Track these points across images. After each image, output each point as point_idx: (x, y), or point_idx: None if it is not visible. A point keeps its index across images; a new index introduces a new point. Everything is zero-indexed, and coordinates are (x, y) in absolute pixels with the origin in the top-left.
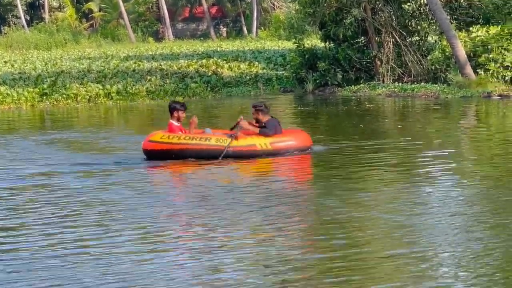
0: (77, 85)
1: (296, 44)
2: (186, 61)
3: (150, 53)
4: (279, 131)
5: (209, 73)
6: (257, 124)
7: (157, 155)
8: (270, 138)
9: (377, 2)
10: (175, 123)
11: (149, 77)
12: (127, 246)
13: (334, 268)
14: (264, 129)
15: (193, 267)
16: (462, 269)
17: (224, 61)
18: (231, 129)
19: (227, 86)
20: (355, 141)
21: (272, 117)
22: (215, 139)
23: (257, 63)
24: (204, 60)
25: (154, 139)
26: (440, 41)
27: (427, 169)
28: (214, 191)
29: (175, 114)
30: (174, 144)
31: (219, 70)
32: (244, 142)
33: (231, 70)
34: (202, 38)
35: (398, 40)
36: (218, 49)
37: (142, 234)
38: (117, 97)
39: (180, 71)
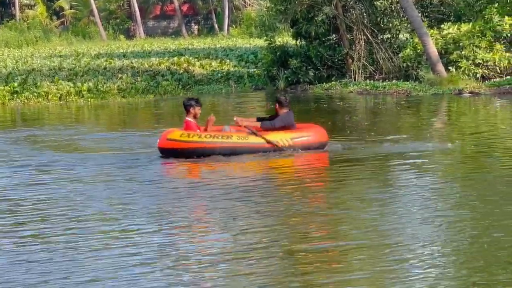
0: (48, 83)
1: (267, 42)
2: (157, 59)
3: (121, 51)
4: (291, 125)
5: (181, 71)
6: (253, 124)
7: (176, 154)
8: (291, 134)
9: (349, 0)
10: (192, 120)
11: (120, 75)
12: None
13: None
14: (265, 122)
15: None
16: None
17: (196, 59)
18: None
19: (198, 84)
20: None
21: (289, 110)
22: (237, 137)
23: (228, 60)
24: (175, 58)
25: (173, 137)
26: (412, 38)
27: (392, 166)
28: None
29: (192, 111)
30: (196, 142)
31: (190, 68)
32: (268, 139)
33: (203, 68)
34: (173, 36)
35: (370, 37)
36: (190, 46)
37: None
38: (88, 95)
39: (151, 69)
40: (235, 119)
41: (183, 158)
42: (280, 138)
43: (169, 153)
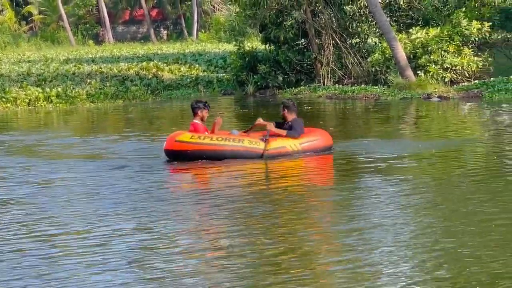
0: (17, 89)
1: (236, 47)
2: (126, 64)
3: (90, 56)
4: (303, 131)
5: (150, 76)
6: (279, 131)
7: (186, 156)
8: (300, 139)
9: (317, 5)
10: (200, 122)
11: (89, 80)
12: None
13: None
14: (291, 132)
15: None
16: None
17: (165, 64)
18: (247, 131)
19: (167, 89)
20: None
21: (297, 116)
22: (248, 141)
23: (197, 65)
24: (144, 63)
25: (183, 139)
26: (380, 43)
27: (359, 170)
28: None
29: (199, 113)
30: (206, 145)
31: (159, 73)
32: (276, 144)
33: (172, 73)
34: (142, 41)
35: (339, 42)
36: (159, 51)
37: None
38: (57, 100)
39: (120, 74)
40: (258, 121)
41: (191, 161)
42: (289, 144)
43: (178, 155)
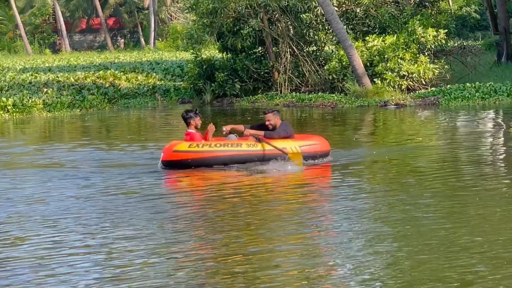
0: None
1: (194, 55)
2: (83, 73)
3: (47, 65)
4: (291, 135)
5: (107, 85)
6: (257, 132)
7: (186, 165)
8: (300, 142)
9: (274, 13)
10: (194, 131)
11: (45, 89)
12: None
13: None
14: (270, 132)
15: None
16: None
17: (122, 73)
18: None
19: (124, 98)
20: None
21: (282, 121)
22: (246, 144)
23: (154, 74)
24: (101, 72)
25: (181, 148)
26: (337, 50)
27: (317, 176)
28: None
29: (192, 122)
30: (206, 152)
31: (116, 81)
32: (276, 146)
33: (129, 82)
34: (99, 50)
35: (296, 50)
36: (116, 60)
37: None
38: (13, 109)
39: (77, 83)
40: (224, 129)
41: (190, 169)
42: (289, 146)
43: (177, 165)
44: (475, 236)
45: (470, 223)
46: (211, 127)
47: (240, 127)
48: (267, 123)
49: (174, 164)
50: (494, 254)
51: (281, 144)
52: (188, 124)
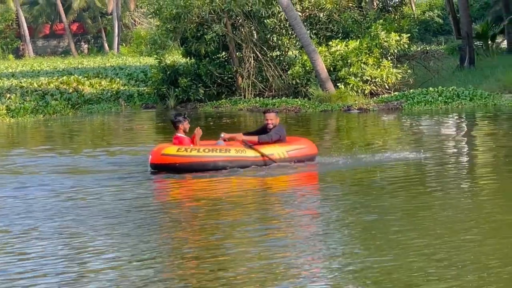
0: None
1: (157, 60)
2: (46, 78)
3: (10, 70)
4: (283, 138)
5: (70, 90)
6: (250, 138)
7: (174, 169)
8: (287, 147)
9: (238, 18)
10: (183, 135)
11: (9, 95)
12: None
13: None
14: (263, 136)
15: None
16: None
17: (85, 78)
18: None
19: (88, 103)
20: None
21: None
22: (235, 150)
23: (118, 79)
24: (65, 77)
25: (169, 152)
26: (301, 55)
27: (278, 181)
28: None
29: (181, 126)
30: (194, 157)
31: (80, 87)
32: (263, 152)
33: (92, 87)
34: (63, 55)
35: (259, 55)
36: (79, 66)
37: None
38: None
39: (40, 89)
40: (222, 136)
41: (178, 173)
42: (276, 151)
43: (165, 168)
44: (426, 238)
45: (423, 226)
46: (198, 131)
47: (238, 136)
48: (269, 121)
49: (162, 168)
50: (443, 257)
51: (269, 150)
52: (176, 128)
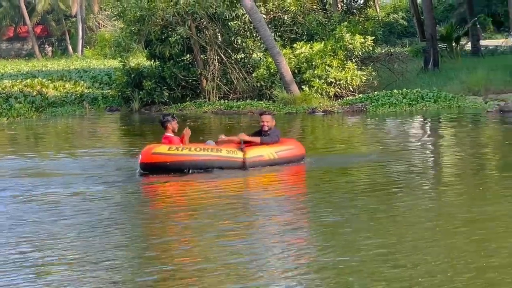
0: None
1: (122, 63)
2: (10, 81)
3: None
4: (279, 140)
5: (34, 93)
6: (253, 138)
7: (165, 168)
8: (276, 147)
9: (202, 20)
10: (172, 135)
11: None
12: None
13: None
14: (265, 138)
15: None
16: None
17: (49, 81)
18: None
19: (52, 106)
20: None
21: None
22: (226, 150)
23: (82, 82)
24: (28, 80)
25: (160, 151)
26: (265, 58)
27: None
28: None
29: (170, 126)
30: (185, 155)
31: (44, 90)
32: (253, 153)
33: (56, 90)
34: (27, 58)
35: (224, 57)
36: (43, 68)
37: None
38: None
39: (4, 92)
40: (221, 138)
41: (168, 172)
42: (266, 152)
43: (156, 168)
44: (385, 239)
45: (381, 227)
46: (187, 131)
47: (241, 135)
48: (265, 123)
49: (153, 167)
50: (398, 257)
51: (259, 151)
52: (165, 128)
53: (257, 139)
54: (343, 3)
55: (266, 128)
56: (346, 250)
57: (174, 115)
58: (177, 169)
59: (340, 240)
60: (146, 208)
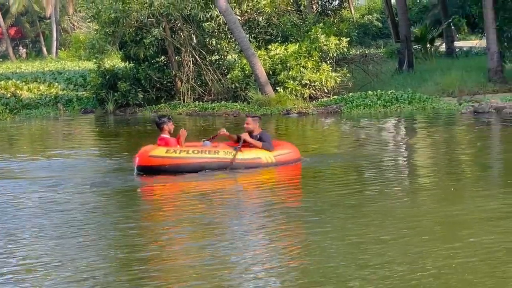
0: None
1: (96, 65)
2: None
3: None
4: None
5: (8, 95)
6: (255, 142)
7: (163, 170)
8: (274, 152)
9: (176, 22)
10: (168, 136)
11: None
12: None
13: None
14: (266, 144)
15: None
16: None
17: (24, 83)
18: (211, 138)
19: (26, 108)
20: None
21: (262, 129)
22: (223, 152)
23: (57, 84)
24: (2, 82)
25: (158, 153)
26: (240, 59)
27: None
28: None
29: (166, 127)
30: (184, 158)
31: (18, 91)
32: (250, 155)
33: (31, 92)
34: (0, 60)
35: (198, 59)
36: (17, 70)
37: None
38: None
39: None
40: (221, 131)
41: (167, 174)
42: (264, 156)
43: (154, 170)
44: (349, 239)
45: (349, 227)
46: (183, 132)
47: (244, 135)
48: (245, 125)
49: (151, 170)
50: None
51: (256, 153)
52: (161, 129)
53: (258, 143)
54: (318, 4)
55: (246, 131)
56: (311, 250)
57: (170, 117)
58: (175, 171)
59: (307, 242)
60: (117, 211)
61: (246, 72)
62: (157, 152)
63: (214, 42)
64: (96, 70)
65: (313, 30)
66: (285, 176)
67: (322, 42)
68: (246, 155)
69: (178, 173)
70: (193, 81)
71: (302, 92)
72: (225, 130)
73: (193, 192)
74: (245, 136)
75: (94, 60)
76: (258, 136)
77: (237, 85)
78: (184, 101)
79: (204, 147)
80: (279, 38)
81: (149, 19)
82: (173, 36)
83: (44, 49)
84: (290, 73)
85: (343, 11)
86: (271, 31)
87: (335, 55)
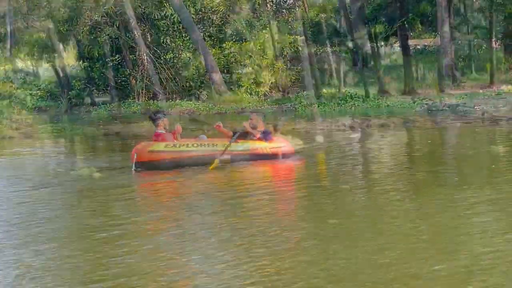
0: None
1: (50, 63)
2: None
3: None
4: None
5: None
6: (254, 131)
7: (163, 165)
8: (270, 143)
9: (131, 20)
10: (164, 132)
11: None
12: None
13: None
14: (263, 134)
15: None
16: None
17: None
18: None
19: None
20: (110, 161)
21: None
22: (222, 144)
23: (10, 82)
24: None
25: (157, 148)
26: (194, 58)
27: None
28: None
29: (161, 123)
30: (184, 152)
31: None
32: (247, 146)
33: None
34: None
35: (153, 57)
36: None
37: None
38: None
39: None
40: (217, 124)
41: (168, 169)
42: (261, 146)
43: (154, 166)
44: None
45: (311, 228)
46: (178, 128)
47: (230, 132)
48: (249, 121)
49: (150, 165)
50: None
51: (254, 145)
52: (157, 125)
53: (257, 132)
54: (272, 3)
55: (251, 126)
56: (274, 253)
57: (165, 112)
58: (175, 166)
59: (267, 245)
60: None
61: (201, 70)
62: (156, 147)
63: (168, 41)
64: (50, 69)
65: (268, 29)
66: (284, 174)
67: (277, 40)
68: (243, 146)
69: (179, 167)
70: (147, 79)
71: (257, 90)
72: (220, 124)
73: (187, 193)
74: (246, 124)
75: (48, 59)
76: (261, 132)
77: (191, 83)
78: (138, 100)
79: (201, 140)
80: (233, 37)
81: (103, 18)
82: (127, 34)
83: None
84: (244, 71)
85: (297, 9)
86: (226, 30)
87: (289, 53)
